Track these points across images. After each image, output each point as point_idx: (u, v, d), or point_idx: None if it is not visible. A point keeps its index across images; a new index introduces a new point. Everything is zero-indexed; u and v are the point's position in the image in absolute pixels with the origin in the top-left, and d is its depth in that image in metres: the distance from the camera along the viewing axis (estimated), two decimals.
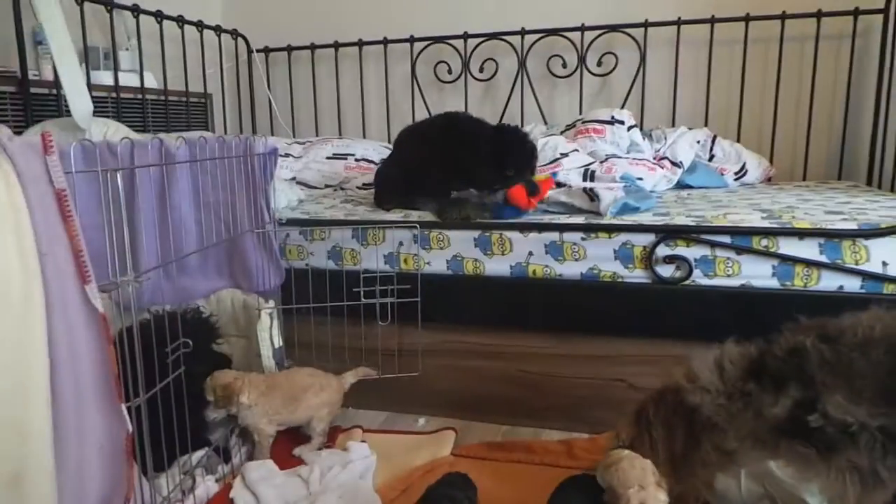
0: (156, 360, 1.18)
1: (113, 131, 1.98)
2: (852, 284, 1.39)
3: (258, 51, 3.05)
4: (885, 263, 1.37)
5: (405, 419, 1.72)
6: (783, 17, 2.38)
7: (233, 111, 3.12)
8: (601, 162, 2.11)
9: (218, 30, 2.87)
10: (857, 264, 1.38)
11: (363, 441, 1.54)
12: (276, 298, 1.72)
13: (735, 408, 1.03)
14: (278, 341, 1.69)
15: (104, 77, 2.33)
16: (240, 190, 1.66)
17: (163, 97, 2.55)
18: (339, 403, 1.56)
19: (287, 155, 2.55)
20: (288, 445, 1.51)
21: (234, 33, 2.99)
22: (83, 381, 0.96)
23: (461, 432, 1.60)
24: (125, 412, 1.01)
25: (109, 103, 2.31)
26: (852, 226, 1.40)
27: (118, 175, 1.08)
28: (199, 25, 2.72)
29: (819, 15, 2.35)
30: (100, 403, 0.99)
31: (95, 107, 1.95)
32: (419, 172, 1.88)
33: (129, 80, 2.41)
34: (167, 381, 1.19)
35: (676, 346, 1.50)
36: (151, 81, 2.51)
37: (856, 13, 2.32)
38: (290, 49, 3.02)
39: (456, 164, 1.82)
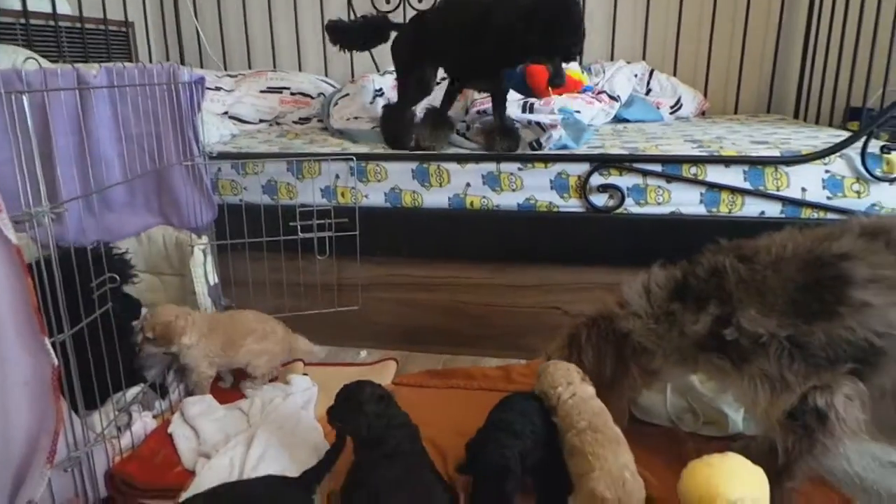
0: (79, 295, 1.14)
1: (23, 60, 1.84)
2: (773, 210, 1.46)
3: None
4: (803, 189, 1.44)
5: (347, 352, 1.73)
6: None
7: (158, 42, 2.94)
8: None
9: None
10: (778, 190, 1.44)
11: (305, 374, 1.54)
12: (210, 234, 1.68)
13: (662, 329, 1.08)
14: (213, 278, 1.65)
15: (11, 1, 2.14)
16: (165, 121, 1.58)
17: (78, 25, 2.38)
18: (280, 355, 1.49)
19: (218, 88, 2.44)
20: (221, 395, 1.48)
21: None
22: (1, 314, 0.92)
23: (402, 363, 1.63)
24: (48, 346, 0.97)
25: (18, 30, 2.14)
26: (774, 153, 1.45)
27: (24, 98, 1.01)
28: None
29: None
30: (22, 338, 0.95)
31: (2, 34, 1.80)
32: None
33: (39, 4, 2.23)
34: (94, 317, 1.15)
35: (610, 274, 1.54)
36: (65, 7, 2.33)
37: None
38: None
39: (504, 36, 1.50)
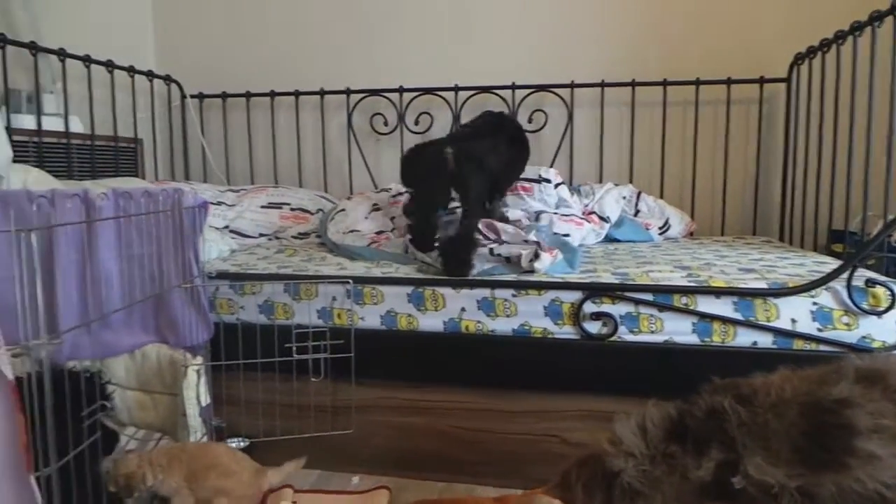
0: (69, 423, 1.12)
1: (34, 178, 1.91)
2: (765, 340, 1.48)
3: (192, 96, 3.02)
4: (793, 320, 1.46)
5: (339, 478, 1.68)
6: (697, 83, 2.55)
7: (164, 157, 3.05)
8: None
9: (150, 75, 2.83)
10: (768, 321, 1.47)
11: (294, 503, 1.49)
12: (205, 354, 1.67)
13: (659, 471, 1.06)
14: (206, 399, 1.63)
15: (26, 121, 2.24)
16: (167, 243, 1.62)
17: (89, 142, 2.47)
18: (247, 499, 1.38)
19: (220, 203, 2.51)
20: None
21: (168, 79, 2.95)
22: None
23: (396, 490, 1.58)
24: (34, 485, 0.95)
25: (31, 148, 2.22)
26: (763, 285, 1.49)
27: (32, 235, 1.04)
28: (131, 71, 2.67)
29: (729, 82, 2.53)
30: (8, 475, 0.93)
31: (16, 152, 1.87)
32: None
33: (53, 124, 2.33)
34: (81, 449, 1.13)
35: (607, 401, 1.54)
36: (77, 126, 2.44)
37: (761, 81, 2.52)
38: (224, 96, 3.00)
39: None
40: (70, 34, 2.42)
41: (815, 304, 1.46)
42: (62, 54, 2.29)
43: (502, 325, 1.59)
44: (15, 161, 1.87)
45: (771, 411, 0.99)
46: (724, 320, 1.48)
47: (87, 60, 2.40)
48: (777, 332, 1.46)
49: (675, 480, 1.04)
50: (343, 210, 2.40)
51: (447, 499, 1.54)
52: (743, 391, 1.04)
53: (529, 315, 1.57)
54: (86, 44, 2.44)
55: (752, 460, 0.96)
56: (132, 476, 1.30)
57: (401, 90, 2.79)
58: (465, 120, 2.77)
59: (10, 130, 1.97)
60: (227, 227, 2.47)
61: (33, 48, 2.19)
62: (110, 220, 1.53)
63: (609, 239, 2.36)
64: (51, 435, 1.04)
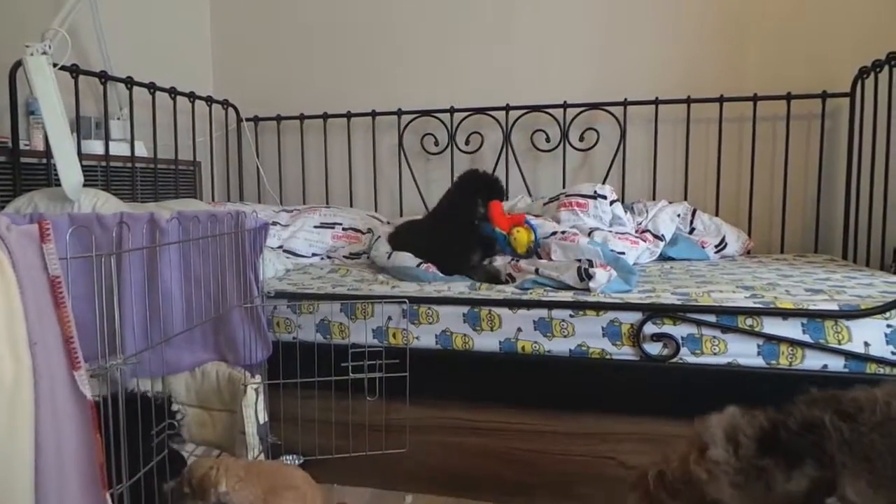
0: (140, 440, 1.15)
1: (102, 202, 1.99)
2: (836, 364, 1.42)
3: (247, 120, 3.11)
4: (866, 344, 1.40)
5: (392, 497, 1.68)
6: (755, 98, 2.49)
7: (221, 179, 3.14)
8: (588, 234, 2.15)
9: (209, 100, 2.93)
10: (839, 344, 1.41)
11: None
12: (263, 372, 1.70)
13: (750, 485, 0.99)
14: (263, 417, 1.66)
15: (95, 146, 2.35)
16: (229, 264, 1.66)
17: (152, 165, 2.57)
18: None
19: (275, 223, 2.57)
20: None
21: (225, 103, 3.05)
22: (67, 470, 0.93)
23: None
24: (108, 500, 0.98)
25: (99, 172, 2.32)
26: (833, 306, 1.44)
27: (110, 259, 1.09)
28: (191, 97, 2.77)
29: (789, 97, 2.47)
30: (83, 493, 0.96)
31: (85, 175, 1.96)
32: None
33: (119, 149, 2.43)
34: (151, 466, 1.16)
35: (667, 424, 1.50)
36: (141, 150, 2.54)
37: (823, 96, 2.44)
38: (279, 119, 3.08)
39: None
40: (136, 63, 2.52)
41: (889, 326, 1.39)
42: (129, 82, 2.40)
43: (559, 346, 1.57)
44: (85, 185, 1.96)
45: (877, 430, 0.92)
46: (792, 342, 1.43)
47: (151, 87, 2.51)
48: (849, 355, 1.40)
49: (759, 491, 0.98)
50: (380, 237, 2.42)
51: None
52: (845, 407, 0.96)
53: (587, 336, 1.55)
54: (150, 72, 2.54)
55: (854, 482, 0.90)
56: (206, 479, 1.33)
57: (451, 110, 2.82)
58: (515, 138, 2.78)
59: (80, 156, 2.07)
60: (280, 246, 2.52)
61: (103, 77, 2.30)
62: (174, 235, 1.58)
63: (663, 257, 2.31)
64: (124, 454, 1.07)
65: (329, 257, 2.53)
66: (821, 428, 0.94)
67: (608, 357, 1.54)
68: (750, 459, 0.99)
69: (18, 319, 0.87)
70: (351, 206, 2.98)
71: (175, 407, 1.44)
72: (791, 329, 1.44)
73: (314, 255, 2.52)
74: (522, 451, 1.61)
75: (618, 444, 1.55)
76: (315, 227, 2.58)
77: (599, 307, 1.54)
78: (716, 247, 2.36)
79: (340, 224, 2.61)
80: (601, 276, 1.65)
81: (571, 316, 1.56)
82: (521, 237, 2.00)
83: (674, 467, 1.05)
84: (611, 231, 2.21)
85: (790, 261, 2.24)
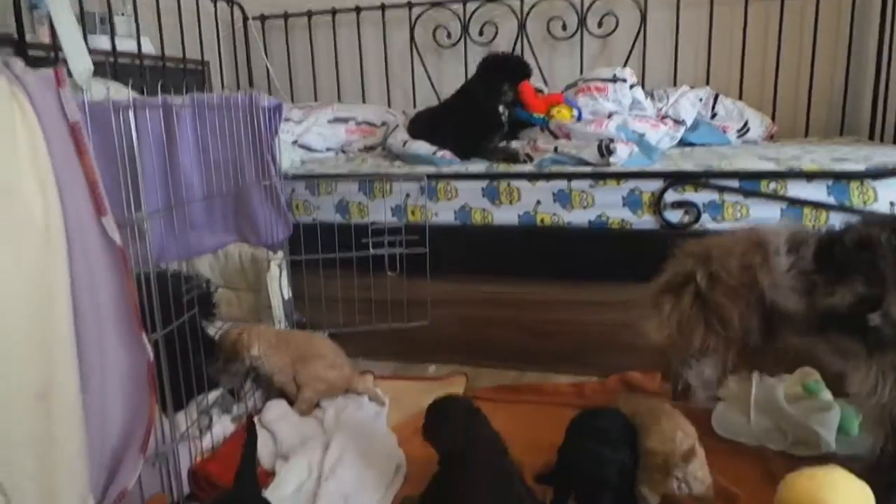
0: (171, 301, 1.18)
1: (114, 91, 1.96)
2: None
3: (254, 18, 3.02)
4: (892, 204, 1.39)
5: (415, 368, 1.73)
6: None
7: (230, 78, 3.09)
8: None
9: None
10: (864, 205, 1.39)
11: (375, 386, 1.55)
12: (285, 251, 1.72)
13: (802, 295, 0.99)
14: (287, 293, 1.69)
15: (101, 41, 2.30)
16: (244, 145, 1.65)
17: (160, 63, 2.52)
18: (337, 391, 1.48)
19: (287, 119, 2.53)
20: None
21: (231, 2, 2.95)
22: (103, 312, 0.96)
23: (471, 379, 1.61)
24: (146, 341, 1.01)
25: (107, 67, 2.28)
26: (860, 167, 1.41)
27: (131, 113, 1.08)
28: None
29: None
30: (120, 334, 0.99)
31: (94, 70, 1.92)
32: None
33: (125, 45, 2.38)
34: (182, 320, 1.19)
35: None
36: (148, 47, 2.48)
37: None
38: (286, 16, 2.98)
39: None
40: None
41: None
42: None
43: (578, 217, 1.57)
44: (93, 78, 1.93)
45: None
46: (816, 205, 1.41)
47: None
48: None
49: (808, 303, 0.97)
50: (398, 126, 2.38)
51: (524, 385, 1.57)
52: None
53: (607, 206, 1.54)
54: None
55: None
56: (239, 342, 1.38)
57: (464, 0, 2.71)
58: (531, 27, 2.69)
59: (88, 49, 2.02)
60: (295, 142, 2.49)
61: None
62: (189, 122, 1.57)
63: (684, 143, 2.26)
64: (156, 300, 1.10)
65: (344, 151, 2.51)
66: (876, 246, 0.93)
67: (628, 226, 1.54)
68: (806, 272, 0.98)
69: (44, 159, 0.88)
70: (363, 102, 2.93)
71: (205, 279, 1.48)
72: (815, 191, 1.42)
73: (328, 149, 2.50)
74: (541, 322, 1.64)
75: (636, 312, 1.57)
76: (329, 121, 2.54)
77: (620, 176, 1.53)
78: (738, 131, 2.31)
79: (354, 118, 2.57)
80: (622, 150, 1.63)
81: (591, 186, 1.55)
82: (564, 115, 1.92)
83: (733, 270, 1.03)
84: (630, 115, 2.16)
85: (815, 142, 2.19)
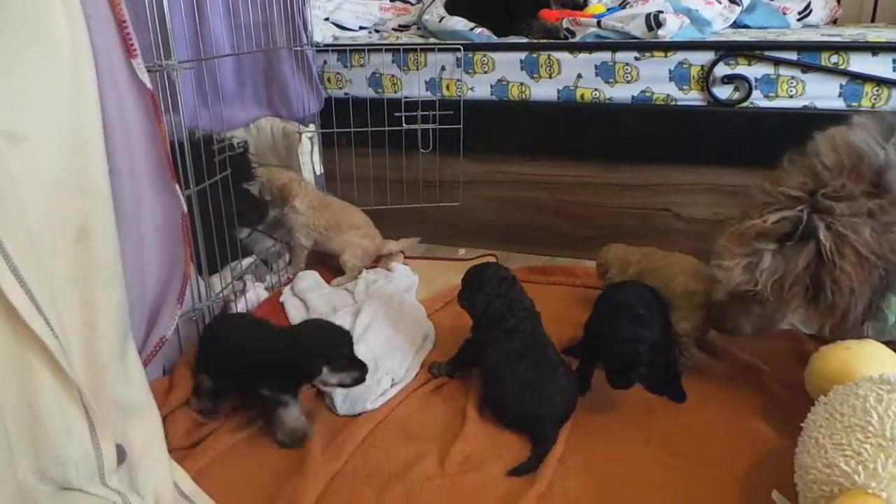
0: (203, 160, 1.18)
1: None
2: None
3: None
4: None
5: (445, 250, 1.73)
6: None
7: None
8: None
9: None
10: None
11: (405, 264, 1.56)
12: (316, 125, 1.70)
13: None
14: (319, 168, 1.68)
15: None
16: (275, 11, 1.59)
17: None
18: (370, 257, 1.54)
19: None
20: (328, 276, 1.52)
21: None
22: (136, 158, 0.95)
23: (501, 261, 1.61)
24: (179, 193, 1.01)
25: None
26: None
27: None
28: None
29: None
30: (154, 182, 0.99)
31: None
32: None
33: None
34: (216, 179, 1.19)
35: (728, 174, 1.45)
36: None
37: None
38: None
39: None
40: None
41: None
42: None
43: (621, 93, 1.49)
44: None
45: None
46: (879, 81, 1.32)
47: None
48: None
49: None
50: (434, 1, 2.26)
51: (556, 265, 1.56)
52: None
53: (652, 80, 1.46)
54: None
55: None
56: (287, 188, 1.43)
57: None
58: None
59: None
60: (327, 18, 2.40)
61: None
62: None
63: (738, 25, 2.11)
64: (188, 159, 1.10)
65: (377, 31, 2.41)
66: None
67: (673, 103, 1.46)
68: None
69: None
70: None
71: (239, 141, 1.47)
72: (880, 66, 1.32)
73: (361, 28, 2.40)
74: (576, 205, 1.61)
75: (676, 195, 1.53)
76: None
77: (668, 47, 1.44)
78: (799, 13, 2.14)
79: None
80: (672, 22, 1.52)
81: (637, 59, 1.46)
82: (599, 9, 1.82)
83: (867, 238, 0.86)
84: None
85: (883, 27, 2.02)
